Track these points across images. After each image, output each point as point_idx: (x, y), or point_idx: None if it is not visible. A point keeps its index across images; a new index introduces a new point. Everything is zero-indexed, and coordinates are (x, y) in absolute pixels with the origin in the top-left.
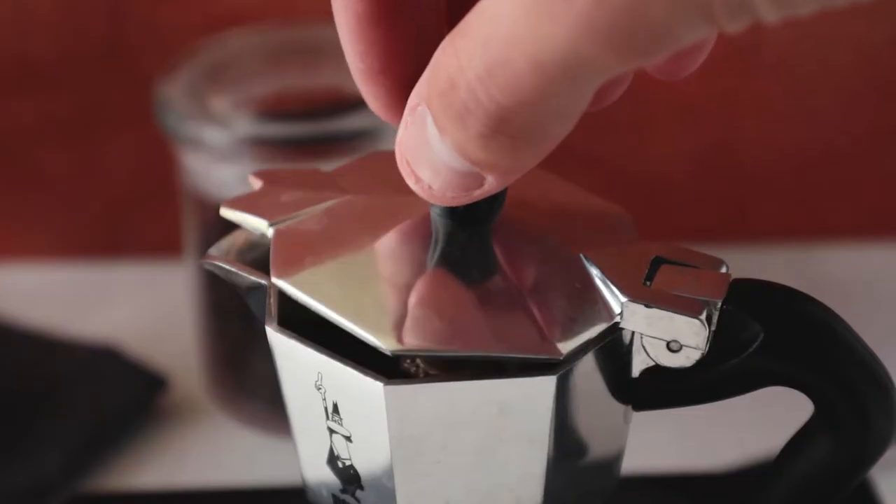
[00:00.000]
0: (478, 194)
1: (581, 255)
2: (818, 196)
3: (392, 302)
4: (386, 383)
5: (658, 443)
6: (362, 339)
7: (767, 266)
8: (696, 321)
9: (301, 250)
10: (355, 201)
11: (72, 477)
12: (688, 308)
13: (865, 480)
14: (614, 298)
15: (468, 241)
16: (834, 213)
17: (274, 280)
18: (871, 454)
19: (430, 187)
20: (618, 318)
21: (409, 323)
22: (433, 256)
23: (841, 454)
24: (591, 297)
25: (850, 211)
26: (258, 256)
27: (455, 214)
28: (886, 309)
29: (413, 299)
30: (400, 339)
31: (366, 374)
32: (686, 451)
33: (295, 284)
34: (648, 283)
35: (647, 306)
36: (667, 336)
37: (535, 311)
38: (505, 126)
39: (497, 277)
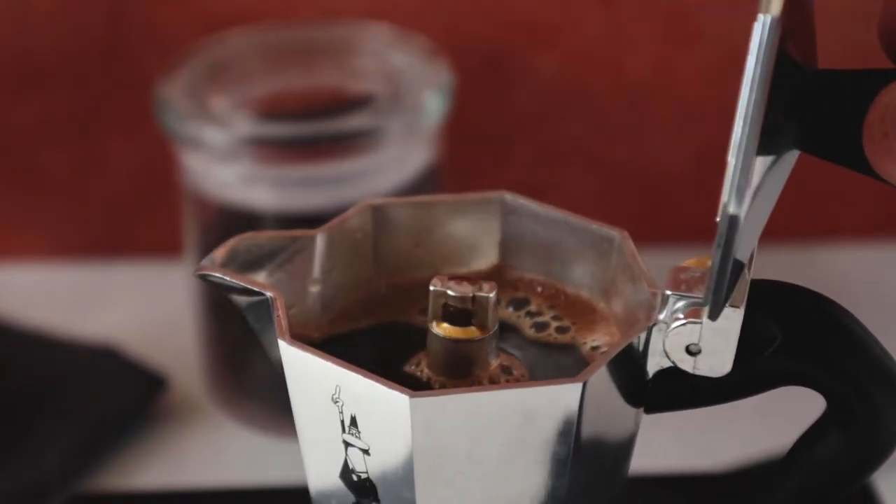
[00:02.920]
0: None
1: None
2: (822, 195)
3: None
4: (412, 396)
5: (658, 443)
6: None
7: (769, 266)
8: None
9: None
10: None
11: (72, 477)
12: None
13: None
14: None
15: None
16: (838, 213)
17: None
18: (882, 451)
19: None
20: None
21: None
22: None
23: (852, 451)
24: None
25: (855, 210)
26: (251, 264)
27: None
28: (889, 309)
29: None
30: None
31: (391, 387)
32: (686, 451)
33: None
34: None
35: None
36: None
37: None
38: None
39: None
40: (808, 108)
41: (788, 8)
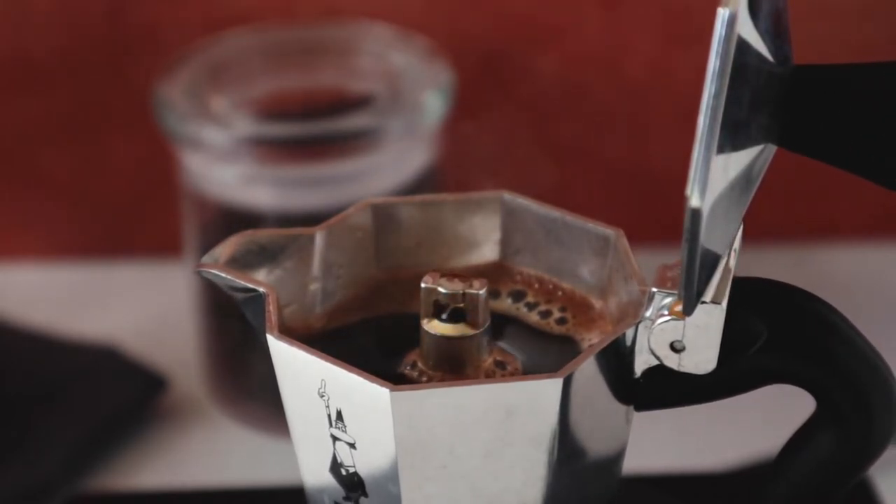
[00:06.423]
0: None
1: None
2: (819, 195)
3: None
4: (392, 389)
5: (657, 442)
6: None
7: (768, 265)
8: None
9: None
10: None
11: (72, 477)
12: None
13: (865, 480)
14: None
15: None
16: (835, 213)
17: None
18: (874, 449)
19: None
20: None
21: None
22: None
23: (844, 449)
24: None
25: (852, 210)
26: (251, 262)
27: None
28: (888, 309)
29: None
30: None
31: (372, 380)
32: (686, 451)
33: None
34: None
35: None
36: (681, 340)
37: None
38: None
39: None
40: (784, 104)
41: (754, 4)
